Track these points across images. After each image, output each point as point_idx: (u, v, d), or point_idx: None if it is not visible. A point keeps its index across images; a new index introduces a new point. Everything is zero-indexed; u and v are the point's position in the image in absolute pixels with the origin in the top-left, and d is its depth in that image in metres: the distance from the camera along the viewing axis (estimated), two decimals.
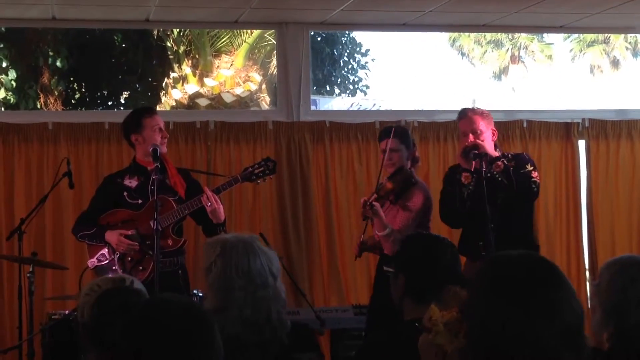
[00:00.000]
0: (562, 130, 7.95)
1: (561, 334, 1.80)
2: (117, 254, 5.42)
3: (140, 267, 5.39)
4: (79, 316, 3.12)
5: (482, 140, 5.52)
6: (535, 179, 5.58)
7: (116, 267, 5.41)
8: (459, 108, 5.99)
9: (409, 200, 5.64)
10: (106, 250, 5.45)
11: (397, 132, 5.81)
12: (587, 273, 7.79)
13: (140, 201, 5.50)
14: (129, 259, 5.41)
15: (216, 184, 5.85)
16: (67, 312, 5.64)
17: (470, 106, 5.86)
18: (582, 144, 7.99)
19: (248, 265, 3.29)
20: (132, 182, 5.57)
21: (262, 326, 3.21)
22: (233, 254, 3.31)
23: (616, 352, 2.93)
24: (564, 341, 1.81)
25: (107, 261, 5.45)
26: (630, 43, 19.47)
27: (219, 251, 3.33)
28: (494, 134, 5.68)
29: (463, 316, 2.03)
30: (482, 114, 5.68)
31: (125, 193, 5.55)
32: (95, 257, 5.49)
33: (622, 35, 18.50)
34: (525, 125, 7.87)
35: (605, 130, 8.02)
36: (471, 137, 5.53)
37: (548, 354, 1.79)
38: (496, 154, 5.56)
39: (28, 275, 5.87)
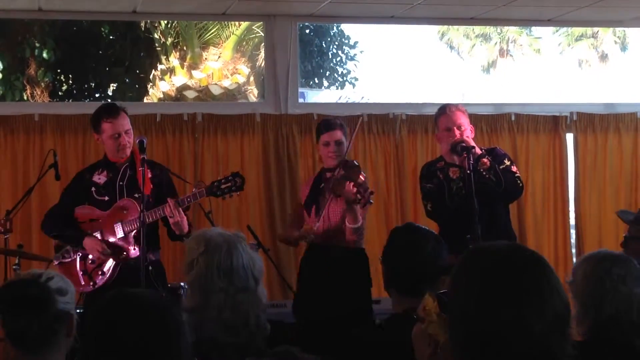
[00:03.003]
0: (550, 124, 7.97)
1: (551, 323, 1.81)
2: (79, 254, 5.32)
3: (100, 272, 5.25)
4: None
5: (468, 136, 5.54)
6: (518, 175, 5.61)
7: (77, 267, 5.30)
8: (447, 101, 5.99)
9: None
10: (70, 247, 5.34)
11: (343, 124, 5.82)
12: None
13: (106, 198, 5.36)
14: (90, 261, 5.27)
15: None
16: None
17: (458, 100, 5.85)
18: (570, 138, 8.03)
19: (230, 266, 3.24)
20: (100, 178, 5.42)
21: (240, 329, 3.18)
22: (216, 254, 3.26)
23: (591, 344, 2.96)
24: (554, 329, 1.82)
25: (70, 259, 5.34)
26: (618, 37, 19.52)
27: (203, 249, 3.26)
28: (472, 132, 5.68)
29: (445, 307, 2.02)
30: (463, 110, 5.69)
31: (93, 189, 5.40)
32: (61, 252, 5.38)
33: (611, 29, 18.54)
34: (513, 118, 7.89)
35: (593, 123, 8.05)
36: (456, 132, 5.52)
37: (539, 341, 1.80)
38: (480, 151, 5.56)
39: (14, 267, 5.86)
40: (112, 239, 5.30)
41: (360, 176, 5.46)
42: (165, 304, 2.13)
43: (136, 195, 5.25)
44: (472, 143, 5.53)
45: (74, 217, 5.38)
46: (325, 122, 5.87)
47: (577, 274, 3.10)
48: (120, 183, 5.28)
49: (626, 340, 2.96)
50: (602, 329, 2.97)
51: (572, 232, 7.99)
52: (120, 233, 5.29)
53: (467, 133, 5.57)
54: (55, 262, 5.41)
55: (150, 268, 5.20)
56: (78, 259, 5.31)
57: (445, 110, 5.66)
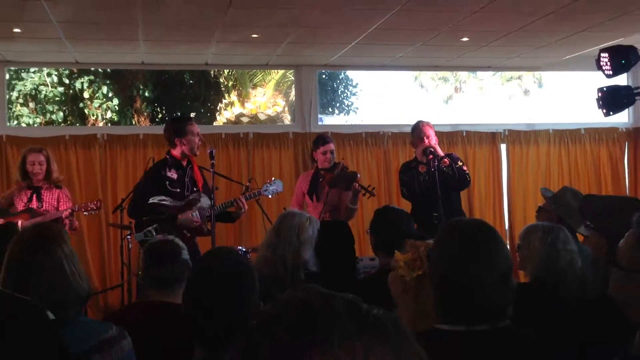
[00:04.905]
0: (490, 138, 7.96)
1: (497, 275, 1.80)
2: (165, 234, 4.50)
3: None
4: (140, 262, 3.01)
5: (435, 143, 5.54)
6: (467, 172, 5.61)
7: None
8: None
9: None
10: (154, 227, 4.74)
11: (332, 139, 5.80)
12: (508, 238, 7.80)
13: (178, 190, 4.91)
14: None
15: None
16: None
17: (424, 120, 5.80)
18: (503, 147, 8.01)
19: (279, 226, 3.32)
20: (172, 174, 4.95)
21: (277, 266, 3.24)
22: (277, 220, 3.40)
23: (542, 285, 2.95)
24: (499, 280, 1.81)
25: (152, 238, 4.43)
26: (537, 78, 19.38)
27: (281, 217, 3.46)
28: (436, 140, 5.66)
29: (429, 260, 2.02)
30: (431, 125, 5.67)
31: (167, 182, 4.93)
32: (143, 232, 4.75)
33: (531, 73, 18.46)
34: (464, 134, 7.88)
35: (519, 137, 8.03)
36: (426, 140, 5.53)
37: (488, 288, 1.79)
38: (442, 154, 5.55)
39: (127, 236, 5.91)
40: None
41: (358, 175, 5.54)
42: (246, 259, 2.13)
43: (194, 189, 4.96)
44: (438, 148, 5.54)
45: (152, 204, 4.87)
46: (322, 137, 5.78)
47: (531, 240, 3.04)
48: (187, 180, 4.96)
49: (567, 284, 2.94)
50: (554, 276, 2.94)
51: (505, 213, 7.98)
52: (197, 217, 4.94)
53: (433, 140, 5.57)
54: (137, 240, 4.77)
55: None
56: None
57: (419, 124, 5.66)
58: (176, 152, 5.00)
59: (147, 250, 2.93)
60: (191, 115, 13.99)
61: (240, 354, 0.72)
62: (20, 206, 5.45)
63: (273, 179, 5.33)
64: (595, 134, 8.16)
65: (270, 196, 5.28)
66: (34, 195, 5.48)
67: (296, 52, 7.05)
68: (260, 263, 3.31)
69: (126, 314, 2.93)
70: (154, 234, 4.78)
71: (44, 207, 5.46)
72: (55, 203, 5.53)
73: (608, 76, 5.11)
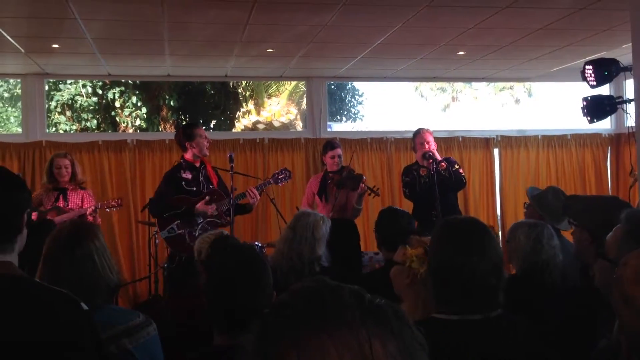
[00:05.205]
0: (484, 143, 7.93)
1: (490, 268, 1.79)
2: (187, 230, 4.79)
3: None
4: (196, 255, 3.02)
5: (433, 148, 5.54)
6: (463, 174, 5.62)
7: (187, 239, 4.72)
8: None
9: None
10: (176, 224, 4.76)
11: (339, 144, 5.78)
12: (500, 235, 7.77)
13: (194, 189, 4.91)
14: (195, 234, 4.71)
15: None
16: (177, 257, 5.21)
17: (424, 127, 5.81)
18: (496, 152, 7.98)
19: (295, 224, 3.32)
20: (187, 175, 4.92)
21: (294, 260, 3.23)
22: (293, 218, 3.40)
23: (527, 277, 2.94)
24: (491, 272, 1.80)
25: (175, 234, 4.76)
26: (527, 88, 19.30)
27: (297, 216, 3.44)
28: (435, 145, 5.66)
29: (427, 253, 2.01)
30: (431, 132, 5.68)
31: (183, 182, 4.91)
32: (166, 229, 4.76)
33: (522, 83, 18.40)
34: (460, 140, 7.85)
35: (510, 143, 8.00)
36: (426, 146, 5.53)
37: (480, 279, 1.78)
38: (440, 158, 5.55)
39: (154, 233, 5.91)
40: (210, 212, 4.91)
41: (364, 177, 5.52)
42: (258, 252, 2.11)
43: (210, 186, 4.95)
44: (436, 153, 5.53)
45: (170, 202, 4.86)
46: (330, 142, 5.81)
47: (517, 235, 3.05)
48: (201, 179, 4.95)
49: (551, 275, 2.95)
50: (539, 268, 2.95)
51: (498, 211, 7.94)
52: (214, 211, 4.89)
53: (432, 146, 5.58)
54: (163, 237, 4.83)
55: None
56: (186, 233, 4.75)
57: (419, 131, 5.68)
58: (188, 155, 4.99)
59: (212, 243, 2.94)
60: (212, 123, 14.10)
61: (256, 337, 0.72)
62: (48, 206, 5.52)
63: (282, 168, 5.22)
64: (580, 140, 8.13)
65: (280, 184, 5.16)
66: (60, 196, 5.56)
67: (307, 65, 7.05)
68: (278, 257, 3.31)
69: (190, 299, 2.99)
70: (176, 230, 4.80)
71: (69, 206, 5.54)
72: (80, 202, 5.60)
73: (592, 86, 5.09)
